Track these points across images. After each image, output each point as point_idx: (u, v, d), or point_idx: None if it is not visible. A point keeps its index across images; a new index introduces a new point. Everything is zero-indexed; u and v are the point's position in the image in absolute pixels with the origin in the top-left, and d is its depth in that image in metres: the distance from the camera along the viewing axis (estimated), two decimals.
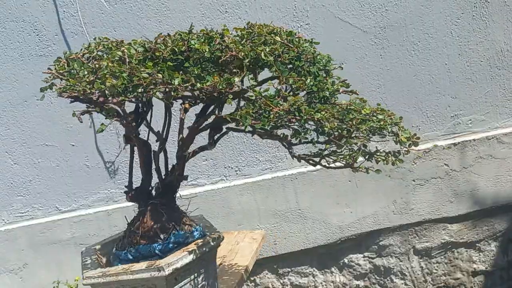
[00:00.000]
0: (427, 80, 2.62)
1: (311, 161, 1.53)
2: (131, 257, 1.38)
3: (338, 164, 1.49)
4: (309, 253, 2.73)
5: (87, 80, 1.22)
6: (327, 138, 1.37)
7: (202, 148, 1.63)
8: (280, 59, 1.36)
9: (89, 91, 1.21)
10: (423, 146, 2.60)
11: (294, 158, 1.48)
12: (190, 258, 1.35)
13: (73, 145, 2.56)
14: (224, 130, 1.57)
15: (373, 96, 2.63)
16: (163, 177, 1.61)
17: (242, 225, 2.64)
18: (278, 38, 1.40)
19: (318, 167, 2.60)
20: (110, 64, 1.24)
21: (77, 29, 2.41)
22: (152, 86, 1.23)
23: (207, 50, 1.33)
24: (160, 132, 1.58)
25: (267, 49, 1.34)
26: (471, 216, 2.74)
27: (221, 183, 2.66)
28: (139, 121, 1.54)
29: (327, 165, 1.51)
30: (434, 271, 2.79)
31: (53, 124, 2.50)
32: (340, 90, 1.48)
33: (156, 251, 1.36)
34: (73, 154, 2.58)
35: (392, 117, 1.43)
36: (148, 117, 1.54)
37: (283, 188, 2.64)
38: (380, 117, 1.38)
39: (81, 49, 1.36)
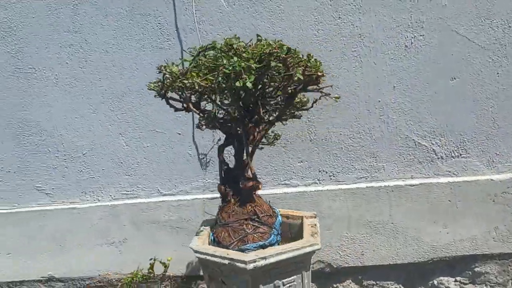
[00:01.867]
0: None
1: None
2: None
3: None
4: (397, 269, 2.62)
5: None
6: None
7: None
8: None
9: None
10: None
11: None
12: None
13: (179, 134, 2.69)
14: None
15: (484, 115, 2.48)
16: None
17: (330, 230, 2.60)
18: None
19: (417, 181, 2.51)
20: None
21: (192, 25, 2.53)
22: None
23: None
24: None
25: None
26: None
27: (314, 186, 2.65)
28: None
29: None
30: None
31: (164, 112, 2.64)
32: None
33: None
34: (178, 143, 2.70)
35: None
36: None
37: (377, 199, 2.56)
38: None
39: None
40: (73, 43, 2.61)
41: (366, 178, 2.58)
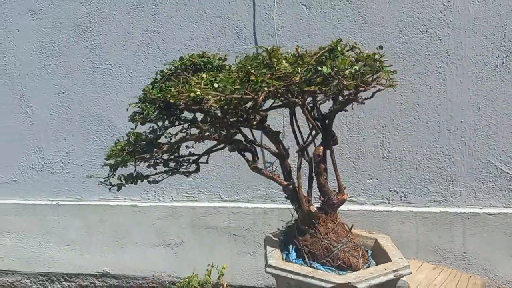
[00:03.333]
0: None
1: None
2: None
3: None
4: None
5: None
6: None
7: None
8: None
9: None
10: None
11: None
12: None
13: None
14: None
15: None
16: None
17: None
18: None
19: (496, 210, 2.32)
20: None
21: (270, 31, 2.45)
22: None
23: None
24: None
25: None
26: None
27: (382, 205, 2.49)
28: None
29: None
30: None
31: None
32: None
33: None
34: None
35: None
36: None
37: (450, 226, 2.38)
38: None
39: None
40: (150, 42, 2.59)
41: (440, 202, 2.40)
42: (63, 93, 2.75)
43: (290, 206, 2.61)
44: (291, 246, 1.48)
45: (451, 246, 2.38)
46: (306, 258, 1.36)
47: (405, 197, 2.44)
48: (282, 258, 1.44)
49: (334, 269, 1.32)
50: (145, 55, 2.60)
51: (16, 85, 2.80)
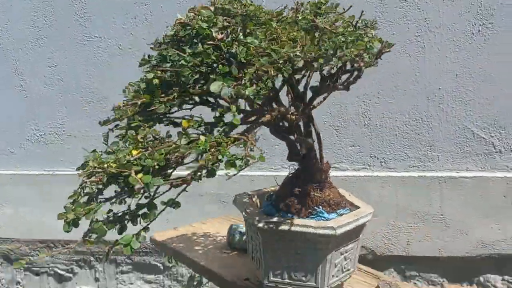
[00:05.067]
0: None
1: None
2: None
3: None
4: (443, 262, 2.49)
5: None
6: None
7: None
8: None
9: None
10: None
11: None
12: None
13: None
14: None
15: None
16: None
17: (377, 217, 2.50)
18: None
19: (472, 174, 2.37)
20: None
21: None
22: None
23: None
24: None
25: None
26: None
27: (364, 171, 2.54)
28: None
29: None
30: None
31: None
32: None
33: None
34: None
35: None
36: None
37: (428, 190, 2.44)
38: None
39: None
40: (139, 15, 2.61)
41: (419, 167, 2.45)
42: (56, 66, 2.78)
43: (274, 174, 2.66)
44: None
45: (429, 209, 2.45)
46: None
47: (385, 162, 2.50)
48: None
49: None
50: (134, 27, 2.62)
51: (10, 59, 2.83)
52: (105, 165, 1.02)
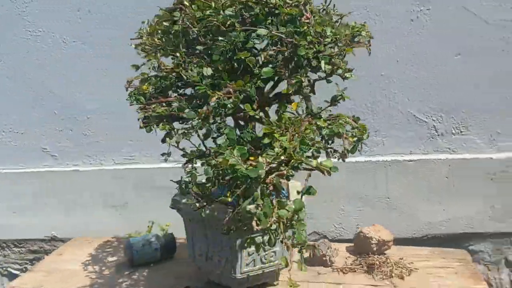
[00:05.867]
0: None
1: None
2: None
3: None
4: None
5: None
6: None
7: None
8: None
9: None
10: None
11: None
12: None
13: None
14: None
15: (488, 93, 2.37)
16: None
17: (326, 203, 2.53)
18: None
19: (416, 157, 2.42)
20: None
21: None
22: None
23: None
24: None
25: None
26: None
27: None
28: None
29: None
30: None
31: None
32: None
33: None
34: None
35: None
36: None
37: (374, 173, 2.48)
38: None
39: None
40: (81, 7, 2.54)
41: (365, 152, 2.49)
42: (0, 61, 2.68)
43: None
44: None
45: (376, 193, 2.49)
46: None
47: (332, 149, 2.52)
48: None
49: None
50: (77, 20, 2.55)
51: None
52: None
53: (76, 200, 2.76)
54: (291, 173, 1.15)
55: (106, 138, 2.68)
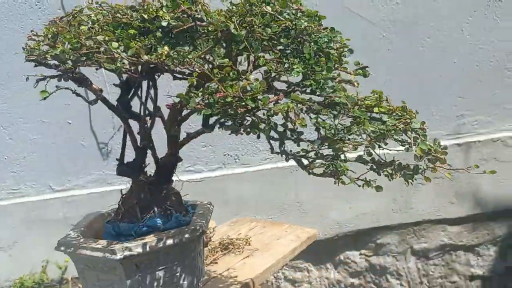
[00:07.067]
0: (435, 77, 2.43)
1: (300, 162, 1.17)
2: (113, 233, 1.17)
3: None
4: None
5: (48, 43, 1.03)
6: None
7: (198, 133, 1.36)
8: (257, 34, 1.00)
9: (43, 56, 1.03)
10: None
11: (279, 154, 1.07)
12: (151, 246, 1.11)
13: (70, 123, 2.36)
14: None
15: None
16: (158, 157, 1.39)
17: (238, 215, 2.41)
18: (269, 9, 1.07)
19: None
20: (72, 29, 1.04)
21: None
22: (97, 55, 0.99)
23: (168, 18, 1.00)
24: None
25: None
26: (472, 219, 2.53)
27: (220, 170, 2.45)
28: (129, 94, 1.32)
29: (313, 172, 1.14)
30: (431, 273, 2.58)
31: (50, 99, 2.30)
32: (336, 79, 1.06)
33: (132, 232, 1.16)
34: (70, 133, 2.38)
35: (409, 120, 0.98)
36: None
37: (282, 180, 2.43)
38: (388, 120, 0.97)
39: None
40: None
41: (271, 159, 2.43)
42: None
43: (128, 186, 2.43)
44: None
45: (286, 198, 2.44)
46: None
47: (239, 159, 2.43)
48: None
49: None
50: None
51: None
52: None
53: None
54: None
55: None
